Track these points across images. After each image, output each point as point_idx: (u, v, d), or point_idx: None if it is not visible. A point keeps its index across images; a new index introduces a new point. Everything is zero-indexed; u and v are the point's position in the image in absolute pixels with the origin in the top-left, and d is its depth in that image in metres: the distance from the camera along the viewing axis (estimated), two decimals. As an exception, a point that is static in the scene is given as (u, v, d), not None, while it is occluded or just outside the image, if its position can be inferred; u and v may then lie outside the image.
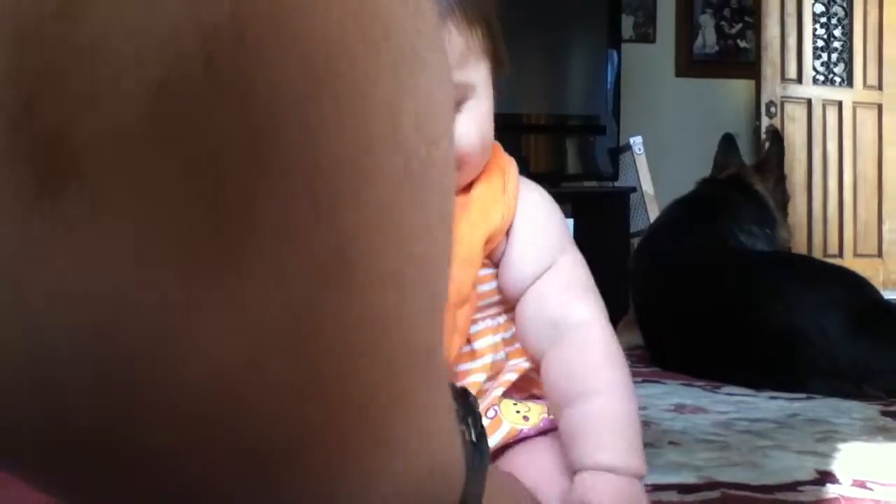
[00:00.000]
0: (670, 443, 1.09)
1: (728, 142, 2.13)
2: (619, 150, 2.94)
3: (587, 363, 0.58)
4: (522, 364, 0.64)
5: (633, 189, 2.86)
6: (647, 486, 0.87)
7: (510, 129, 2.90)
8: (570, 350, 0.59)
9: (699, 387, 1.54)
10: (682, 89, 3.66)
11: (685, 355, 1.71)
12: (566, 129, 2.99)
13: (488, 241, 0.61)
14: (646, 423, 1.21)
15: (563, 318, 0.60)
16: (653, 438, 1.11)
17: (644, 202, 2.86)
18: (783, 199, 2.03)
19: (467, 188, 0.64)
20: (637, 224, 2.87)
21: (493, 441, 0.60)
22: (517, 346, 0.64)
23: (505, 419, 0.61)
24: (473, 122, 0.61)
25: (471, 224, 0.61)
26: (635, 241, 2.87)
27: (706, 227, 1.85)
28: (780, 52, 3.54)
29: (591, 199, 2.93)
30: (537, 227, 0.63)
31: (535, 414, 0.62)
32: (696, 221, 1.89)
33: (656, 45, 3.67)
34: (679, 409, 1.34)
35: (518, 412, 0.62)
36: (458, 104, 0.61)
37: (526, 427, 0.61)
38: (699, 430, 1.17)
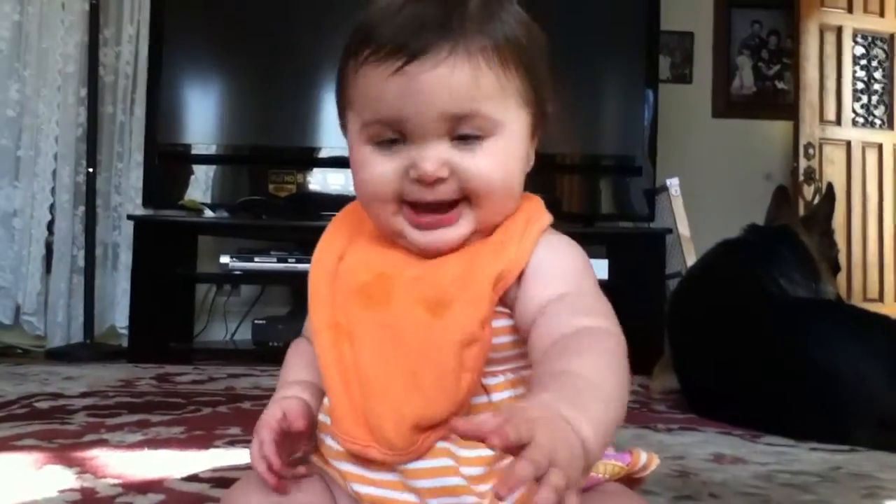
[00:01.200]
0: (710, 495, 1.07)
1: (781, 193, 2.11)
2: (655, 192, 2.94)
3: (585, 349, 0.56)
4: None
5: (669, 230, 2.84)
6: (687, 541, 0.85)
7: (545, 169, 2.91)
8: (572, 339, 0.57)
9: (738, 436, 1.51)
10: (719, 130, 3.65)
11: (723, 402, 1.69)
12: (601, 170, 3.00)
13: (498, 279, 0.61)
14: (685, 474, 1.19)
15: (571, 331, 0.58)
16: (692, 490, 1.10)
17: (680, 244, 2.84)
18: (830, 254, 2.00)
19: (489, 233, 0.64)
20: (672, 266, 2.85)
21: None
22: None
23: None
24: (496, 158, 0.62)
25: (482, 265, 0.62)
26: (671, 283, 2.85)
27: (748, 272, 1.83)
28: (818, 93, 3.51)
29: (626, 240, 2.92)
30: (551, 261, 0.64)
31: (600, 468, 0.63)
32: (737, 266, 1.87)
33: (693, 85, 3.67)
34: (718, 459, 1.31)
35: None
36: (482, 138, 0.62)
37: None
38: (739, 483, 1.15)
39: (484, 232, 0.64)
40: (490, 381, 0.62)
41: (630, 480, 0.67)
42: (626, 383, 0.56)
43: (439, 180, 0.61)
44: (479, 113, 0.61)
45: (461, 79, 0.59)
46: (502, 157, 0.62)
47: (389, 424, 0.59)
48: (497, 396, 0.62)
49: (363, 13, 0.63)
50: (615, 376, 0.55)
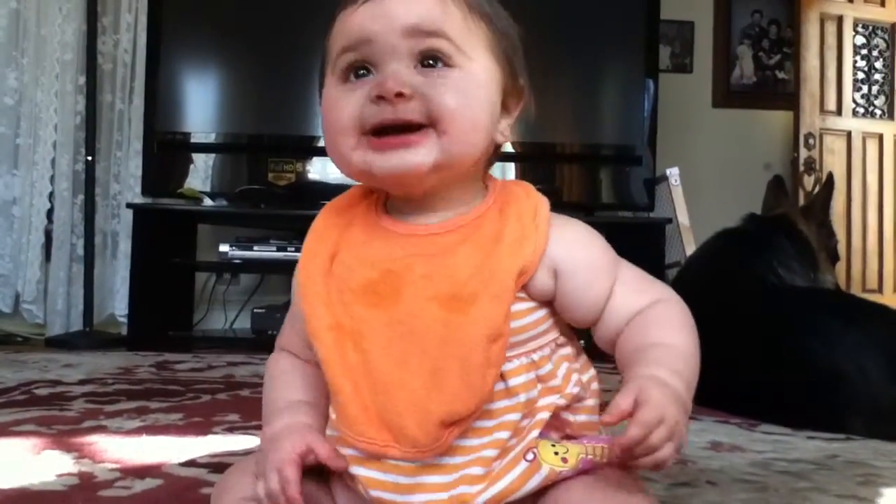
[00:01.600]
0: (707, 482, 1.07)
1: (777, 183, 2.11)
2: (654, 181, 2.93)
3: (663, 323, 0.65)
4: (556, 401, 0.64)
5: (669, 220, 2.84)
6: (683, 527, 0.86)
7: (545, 158, 2.91)
8: (650, 314, 0.66)
9: (735, 424, 1.52)
10: (719, 120, 3.64)
11: (721, 391, 1.68)
12: (601, 159, 2.99)
13: (521, 274, 0.61)
14: (682, 461, 1.20)
15: (641, 308, 0.66)
16: (689, 477, 1.10)
17: (680, 233, 2.84)
18: (829, 244, 2.00)
19: (501, 227, 0.63)
20: (672, 255, 2.85)
21: (533, 484, 0.60)
22: (552, 383, 0.64)
23: (544, 462, 0.60)
24: (462, 87, 0.61)
25: (501, 260, 0.61)
26: (670, 273, 2.85)
27: (746, 261, 1.83)
28: (819, 83, 3.51)
29: (625, 229, 2.92)
30: (586, 255, 0.65)
31: (574, 455, 0.62)
32: (736, 256, 1.87)
33: (693, 75, 3.66)
34: (715, 447, 1.32)
35: (556, 454, 0.61)
36: (448, 66, 0.61)
37: (565, 469, 0.61)
38: (736, 470, 1.15)
39: (448, 172, 0.62)
40: (506, 367, 0.62)
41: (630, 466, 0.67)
42: (696, 340, 0.67)
43: (401, 96, 0.59)
44: (445, 33, 0.60)
45: (428, 3, 0.61)
46: (468, 89, 0.61)
47: (412, 422, 0.58)
48: (513, 381, 0.62)
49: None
50: (689, 336, 0.67)
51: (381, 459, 0.60)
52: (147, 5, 2.96)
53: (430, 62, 0.61)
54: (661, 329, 0.64)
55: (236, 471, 0.68)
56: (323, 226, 0.68)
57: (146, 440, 1.22)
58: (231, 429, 1.33)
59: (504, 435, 0.60)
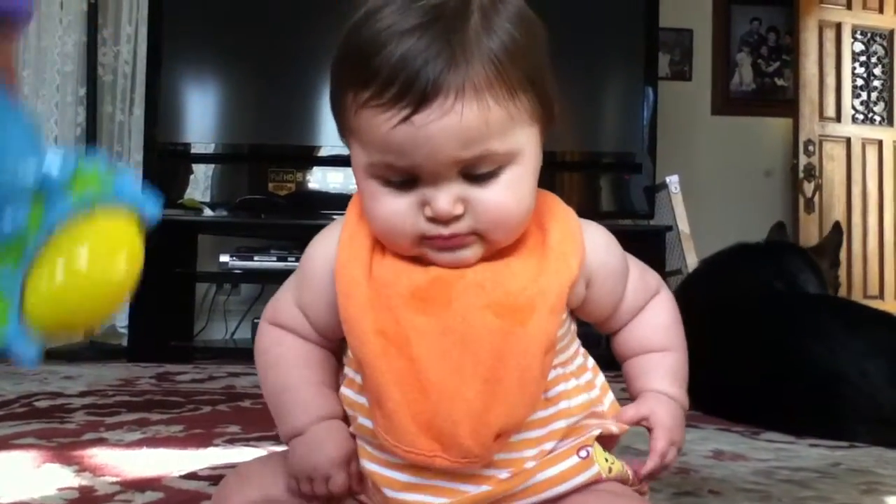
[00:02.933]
0: (710, 491, 1.07)
1: (779, 228, 2.15)
2: (654, 189, 2.93)
3: (659, 326, 0.73)
4: (596, 409, 0.67)
5: (669, 228, 2.84)
6: (687, 537, 0.86)
7: (545, 167, 2.90)
8: (649, 314, 0.73)
9: (737, 432, 1.51)
10: (718, 127, 3.65)
11: (723, 397, 1.69)
12: (601, 167, 2.99)
13: (571, 286, 0.63)
14: (685, 471, 1.19)
15: (642, 305, 0.73)
16: (692, 486, 1.09)
17: (680, 241, 2.83)
18: (835, 284, 2.05)
19: (540, 235, 0.64)
20: (672, 263, 2.85)
21: (581, 479, 0.62)
22: (592, 394, 0.68)
23: (597, 462, 0.63)
24: (511, 189, 0.60)
25: (556, 273, 0.62)
26: (670, 281, 2.85)
27: (758, 270, 1.85)
28: (818, 90, 3.52)
29: (625, 237, 2.89)
30: (614, 262, 0.70)
31: (617, 468, 0.65)
32: (747, 264, 1.89)
33: (692, 82, 3.67)
34: (718, 455, 1.31)
35: (607, 460, 0.64)
36: (496, 172, 0.60)
37: (606, 476, 0.64)
38: (739, 479, 1.15)
39: (494, 250, 0.63)
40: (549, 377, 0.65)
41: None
42: (683, 331, 0.74)
43: (455, 218, 0.59)
44: (492, 151, 0.58)
45: (471, 122, 0.57)
46: (518, 186, 0.61)
47: (466, 432, 0.58)
48: (552, 392, 0.64)
49: (354, 29, 0.59)
50: (681, 332, 0.74)
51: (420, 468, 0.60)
52: (147, 17, 2.96)
53: (477, 175, 0.60)
54: (659, 332, 0.73)
55: (234, 477, 0.67)
56: (354, 230, 0.65)
57: (147, 453, 1.22)
58: (232, 440, 1.32)
59: (549, 445, 0.63)
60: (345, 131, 0.63)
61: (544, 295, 0.61)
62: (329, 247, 0.65)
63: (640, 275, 0.72)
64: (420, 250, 0.62)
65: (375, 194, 0.61)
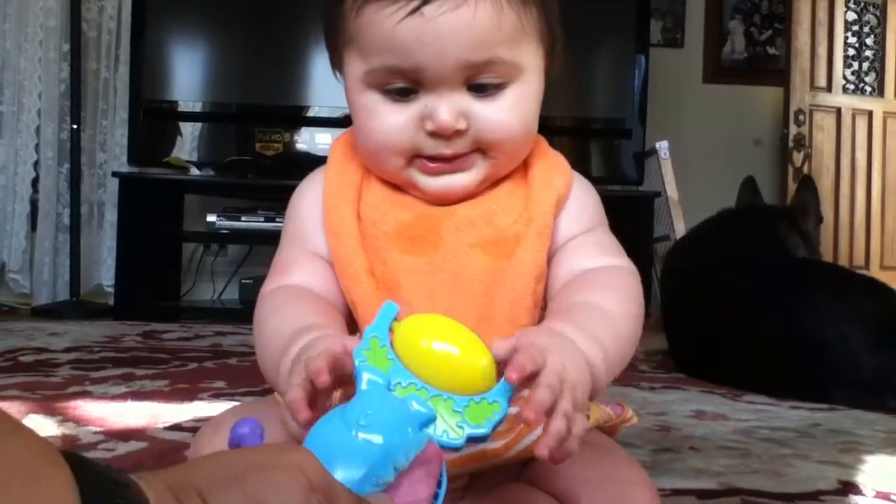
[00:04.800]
0: (691, 448, 1.08)
1: (750, 183, 2.13)
2: (644, 155, 2.93)
3: (602, 286, 0.59)
4: None
5: (658, 194, 2.84)
6: (666, 490, 0.87)
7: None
8: (594, 273, 0.61)
9: (720, 394, 1.53)
10: (709, 95, 3.63)
11: (709, 360, 1.70)
12: (591, 133, 2.98)
13: (556, 204, 0.61)
14: (666, 428, 1.21)
15: (592, 267, 0.61)
16: (673, 444, 1.11)
17: (668, 207, 2.84)
18: (817, 244, 2.05)
19: (524, 171, 0.63)
20: (660, 229, 2.85)
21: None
22: None
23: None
24: (516, 108, 0.58)
25: (539, 199, 0.61)
26: (658, 247, 2.86)
27: (749, 235, 1.85)
28: (810, 60, 3.50)
29: (614, 203, 2.89)
30: (582, 196, 0.65)
31: (593, 415, 0.63)
32: (738, 230, 1.89)
33: (684, 50, 3.64)
34: (699, 415, 1.33)
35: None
36: (502, 85, 0.58)
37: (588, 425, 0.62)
38: (720, 437, 1.16)
39: (494, 177, 0.61)
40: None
41: (606, 429, 0.68)
42: (640, 323, 0.59)
43: (457, 133, 0.57)
44: (500, 59, 0.56)
45: (483, 21, 0.54)
46: (523, 104, 0.59)
47: None
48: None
49: None
50: (630, 314, 0.58)
51: None
52: (132, -29, 2.91)
53: (481, 87, 0.57)
54: (597, 290, 0.58)
55: (211, 425, 0.67)
56: (344, 157, 0.63)
57: (131, 405, 1.22)
58: (217, 395, 1.33)
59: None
60: (341, 46, 0.60)
61: (528, 223, 0.60)
62: (314, 190, 0.64)
63: (607, 242, 0.64)
64: (408, 175, 0.59)
65: (372, 108, 0.58)
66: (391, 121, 0.58)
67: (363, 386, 0.44)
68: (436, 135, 0.57)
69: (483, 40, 0.55)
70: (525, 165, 0.64)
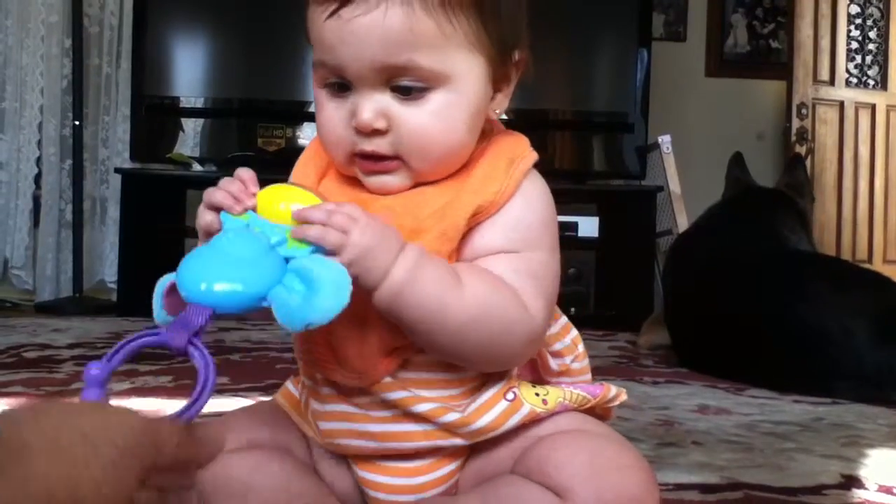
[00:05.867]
0: (693, 443, 1.09)
1: (738, 160, 2.13)
2: (646, 149, 2.92)
3: (484, 279, 0.58)
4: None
5: (660, 188, 2.84)
6: (669, 485, 0.87)
7: (537, 125, 2.89)
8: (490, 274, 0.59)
9: (723, 388, 1.53)
10: (711, 89, 3.62)
11: (710, 355, 1.70)
12: (593, 127, 2.98)
13: (476, 213, 0.60)
14: (669, 423, 1.21)
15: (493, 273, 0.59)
16: (676, 438, 1.11)
17: (671, 201, 2.84)
18: (812, 223, 2.05)
19: (468, 173, 0.61)
20: (663, 224, 2.85)
21: (513, 422, 0.61)
22: None
23: (525, 401, 0.62)
24: (440, 115, 0.58)
25: (462, 200, 0.60)
26: (661, 241, 2.85)
27: (750, 226, 1.85)
28: (812, 53, 3.49)
29: (617, 197, 2.91)
30: (521, 213, 0.61)
31: (553, 398, 0.63)
32: (739, 222, 1.89)
33: (687, 43, 3.63)
34: (702, 409, 1.33)
35: (538, 395, 0.63)
36: (426, 91, 0.58)
37: (543, 411, 0.62)
38: (722, 431, 1.16)
39: (424, 181, 0.61)
40: None
41: (599, 413, 0.67)
42: (488, 311, 0.56)
43: (376, 132, 0.58)
44: (416, 64, 0.57)
45: (394, 25, 0.56)
46: (448, 113, 0.59)
47: (354, 348, 0.59)
48: None
49: None
50: (485, 298, 0.56)
51: (334, 392, 0.61)
52: (134, -33, 2.90)
53: (405, 89, 0.58)
54: (481, 272, 0.58)
55: (218, 425, 0.68)
56: (310, 158, 0.66)
57: (135, 402, 1.22)
58: (220, 391, 1.33)
59: (449, 375, 0.60)
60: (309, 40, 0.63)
61: (440, 219, 0.59)
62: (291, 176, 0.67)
63: (534, 264, 0.60)
64: (353, 170, 0.62)
65: (320, 102, 0.61)
66: (329, 115, 0.61)
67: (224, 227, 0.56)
68: (358, 131, 0.59)
69: (395, 43, 0.56)
70: (473, 164, 0.62)
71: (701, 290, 1.76)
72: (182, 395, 1.26)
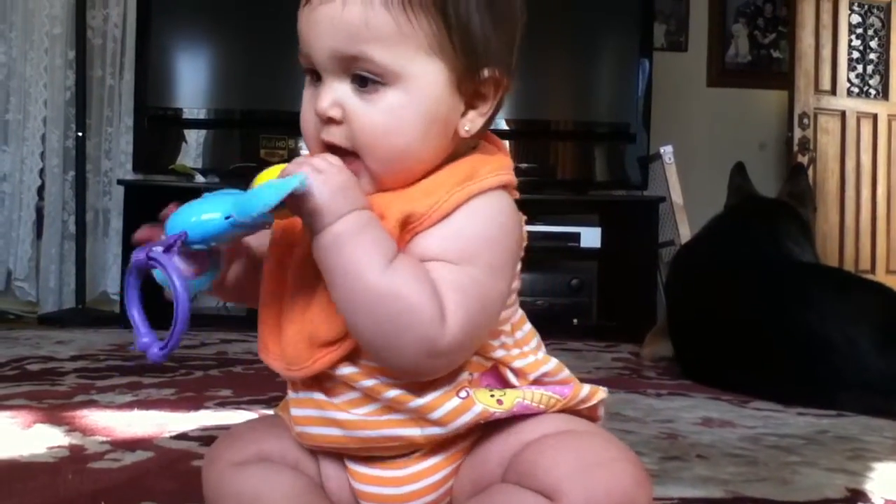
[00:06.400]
0: (698, 456, 1.08)
1: (740, 170, 2.13)
2: (648, 159, 2.93)
3: (414, 269, 0.57)
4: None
5: (662, 198, 2.83)
6: (674, 499, 0.86)
7: (539, 136, 2.90)
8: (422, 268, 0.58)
9: (726, 401, 1.52)
10: (713, 99, 3.63)
11: (714, 366, 1.70)
12: (595, 137, 2.98)
13: (406, 221, 0.58)
14: (673, 436, 1.20)
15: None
16: (680, 451, 1.10)
17: (673, 212, 2.83)
18: (815, 232, 2.06)
19: (421, 180, 0.61)
20: (665, 234, 2.85)
21: (464, 420, 0.60)
22: None
23: (478, 401, 0.60)
24: (391, 113, 0.58)
25: (398, 203, 0.59)
26: (663, 252, 2.85)
27: (753, 237, 1.85)
28: (814, 62, 3.50)
29: (619, 207, 2.91)
30: (462, 225, 0.59)
31: (510, 399, 0.61)
32: (741, 232, 1.89)
33: (688, 53, 3.64)
34: (706, 422, 1.32)
35: (492, 396, 0.61)
36: (381, 85, 0.58)
37: (499, 411, 0.61)
38: (727, 444, 1.16)
39: (395, 187, 0.60)
40: None
41: (586, 415, 0.66)
42: (385, 332, 0.55)
43: (331, 120, 0.59)
44: (369, 56, 0.57)
45: (351, 15, 0.57)
46: (399, 115, 0.58)
47: (289, 340, 0.60)
48: None
49: None
50: (391, 307, 0.54)
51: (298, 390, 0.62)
52: (137, -21, 2.92)
53: (363, 80, 0.58)
54: (411, 265, 0.56)
55: (227, 437, 0.68)
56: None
57: (138, 414, 1.22)
58: (223, 403, 1.33)
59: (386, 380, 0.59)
60: None
61: (380, 218, 0.58)
62: None
63: (464, 276, 0.57)
64: None
65: (304, 94, 0.63)
66: (305, 106, 0.62)
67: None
68: (319, 119, 0.60)
69: (349, 33, 0.57)
70: (423, 179, 0.61)
71: (704, 301, 1.75)
72: (184, 408, 1.26)
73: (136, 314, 0.59)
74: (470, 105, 0.62)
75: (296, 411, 0.63)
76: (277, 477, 0.63)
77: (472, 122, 0.62)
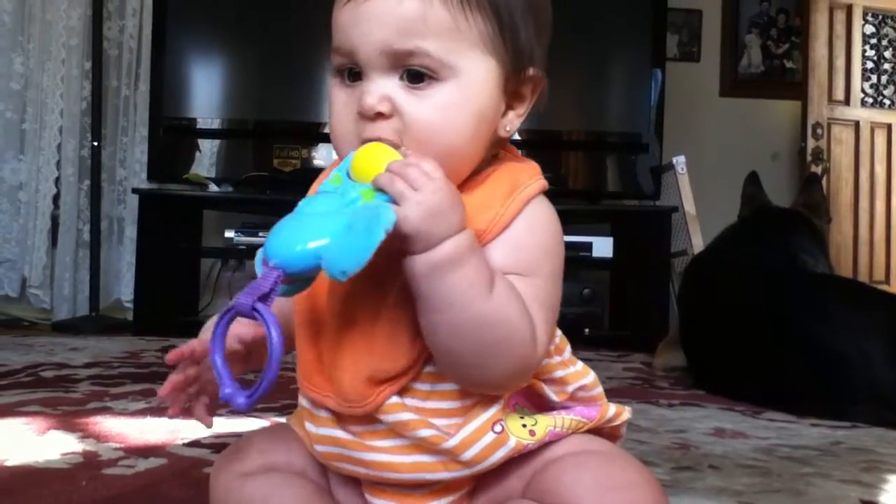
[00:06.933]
0: (710, 467, 1.07)
1: (753, 180, 2.13)
2: (661, 170, 2.92)
3: (510, 292, 0.56)
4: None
5: (675, 209, 2.83)
6: (686, 509, 0.86)
7: (551, 146, 2.90)
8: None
9: (739, 411, 1.52)
10: (726, 109, 3.62)
11: (726, 377, 1.69)
12: (608, 147, 2.98)
13: (489, 230, 0.58)
14: (685, 446, 1.20)
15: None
16: (692, 462, 1.10)
17: (685, 222, 2.83)
18: (828, 243, 2.05)
19: (465, 193, 0.59)
20: (678, 244, 2.84)
21: (498, 457, 0.59)
22: None
23: (512, 435, 0.60)
24: (445, 110, 0.58)
25: (477, 216, 0.58)
26: (675, 262, 2.84)
27: (767, 248, 1.84)
28: (827, 73, 3.48)
29: (631, 217, 2.91)
30: (521, 236, 0.59)
31: (542, 428, 0.61)
32: (755, 243, 1.88)
33: (701, 64, 3.64)
34: (719, 433, 1.32)
35: (525, 426, 0.61)
36: (433, 81, 0.58)
37: (532, 442, 0.60)
38: (740, 455, 1.15)
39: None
40: None
41: (608, 433, 0.66)
42: (489, 355, 0.55)
43: (380, 115, 0.57)
44: (425, 51, 0.57)
45: (408, 10, 0.56)
46: (454, 110, 0.58)
47: (347, 376, 0.58)
48: None
49: None
50: (497, 332, 0.54)
51: (329, 416, 0.61)
52: (153, -9, 2.95)
53: (415, 76, 0.58)
54: (507, 283, 0.56)
55: (234, 447, 0.68)
56: (324, 175, 0.66)
57: (151, 421, 1.22)
58: (235, 411, 1.33)
59: (447, 405, 0.59)
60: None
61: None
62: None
63: (535, 289, 0.58)
64: None
65: (333, 95, 0.61)
66: (339, 108, 0.61)
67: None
68: (362, 116, 0.58)
69: (406, 28, 0.57)
70: (469, 191, 0.60)
71: (717, 311, 1.75)
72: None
73: (218, 361, 0.56)
74: (509, 106, 0.63)
75: (320, 448, 0.62)
76: (285, 485, 0.63)
77: (511, 123, 0.63)
